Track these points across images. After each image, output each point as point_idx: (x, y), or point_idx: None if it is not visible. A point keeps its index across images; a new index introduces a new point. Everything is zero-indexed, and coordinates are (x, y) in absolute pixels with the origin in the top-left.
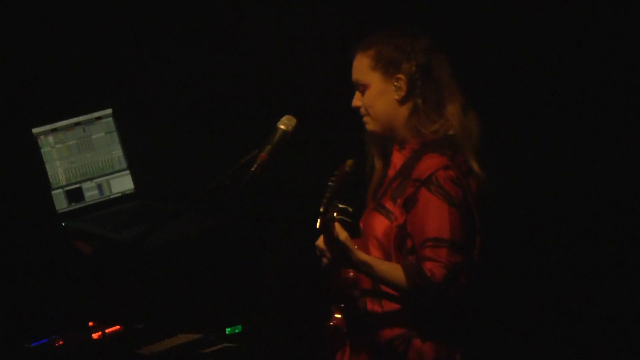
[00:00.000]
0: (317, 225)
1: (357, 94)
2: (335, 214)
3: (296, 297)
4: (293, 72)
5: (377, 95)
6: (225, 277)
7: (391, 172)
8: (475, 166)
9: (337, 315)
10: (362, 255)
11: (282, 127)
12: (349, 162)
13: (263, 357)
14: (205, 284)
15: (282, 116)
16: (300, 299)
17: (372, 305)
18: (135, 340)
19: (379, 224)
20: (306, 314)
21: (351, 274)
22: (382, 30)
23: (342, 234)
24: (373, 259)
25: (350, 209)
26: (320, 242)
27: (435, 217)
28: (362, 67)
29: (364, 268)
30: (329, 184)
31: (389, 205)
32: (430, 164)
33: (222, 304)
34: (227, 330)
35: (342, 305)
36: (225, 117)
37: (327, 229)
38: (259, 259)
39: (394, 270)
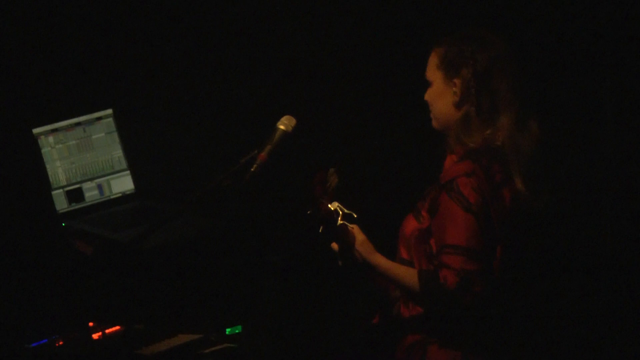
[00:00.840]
0: (320, 231)
1: (428, 89)
2: (339, 220)
3: (296, 297)
4: (293, 72)
5: (438, 94)
6: (225, 277)
7: (440, 175)
8: (519, 182)
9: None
10: (378, 259)
11: (281, 127)
12: (331, 170)
13: (263, 357)
14: (205, 284)
15: (282, 116)
16: (300, 299)
17: (403, 309)
18: (135, 340)
19: (409, 225)
20: (306, 314)
21: None
22: (460, 31)
23: (359, 236)
24: (389, 262)
25: (355, 215)
26: (335, 244)
27: (452, 223)
28: (431, 64)
29: (379, 271)
30: (312, 192)
31: (421, 206)
32: (455, 169)
33: (222, 304)
34: (227, 330)
35: (381, 305)
36: (225, 117)
37: (333, 234)
38: (259, 259)
39: (408, 275)
